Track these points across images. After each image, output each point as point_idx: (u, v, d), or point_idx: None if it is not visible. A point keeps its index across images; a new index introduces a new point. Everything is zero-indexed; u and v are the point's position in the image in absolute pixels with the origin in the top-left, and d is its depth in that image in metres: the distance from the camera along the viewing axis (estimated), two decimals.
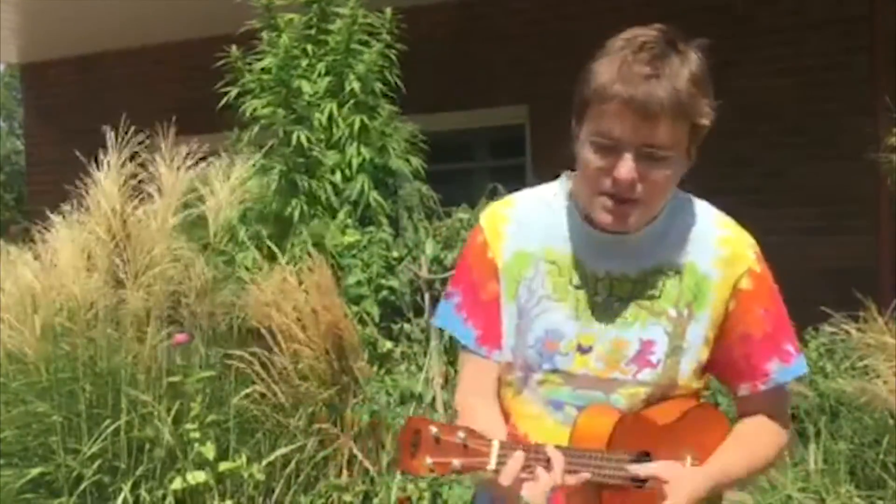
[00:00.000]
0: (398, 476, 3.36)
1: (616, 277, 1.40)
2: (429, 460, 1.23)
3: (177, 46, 7.26)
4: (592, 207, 1.36)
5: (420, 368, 3.83)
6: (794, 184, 5.28)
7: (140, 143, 3.64)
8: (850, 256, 4.96)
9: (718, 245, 1.41)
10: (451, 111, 6.17)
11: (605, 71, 1.29)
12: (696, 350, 1.40)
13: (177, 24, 6.81)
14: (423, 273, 4.20)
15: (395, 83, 4.52)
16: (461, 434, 1.24)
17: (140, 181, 3.69)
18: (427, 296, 4.18)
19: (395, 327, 4.10)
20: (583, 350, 1.39)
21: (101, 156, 3.59)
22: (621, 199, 1.32)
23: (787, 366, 1.43)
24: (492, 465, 1.24)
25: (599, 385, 1.39)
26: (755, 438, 1.45)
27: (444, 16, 6.10)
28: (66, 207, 3.71)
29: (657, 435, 1.38)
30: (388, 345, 3.92)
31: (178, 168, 3.64)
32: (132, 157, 3.65)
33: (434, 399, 3.67)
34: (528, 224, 1.45)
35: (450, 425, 1.25)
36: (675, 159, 1.32)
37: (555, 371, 1.40)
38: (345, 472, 3.43)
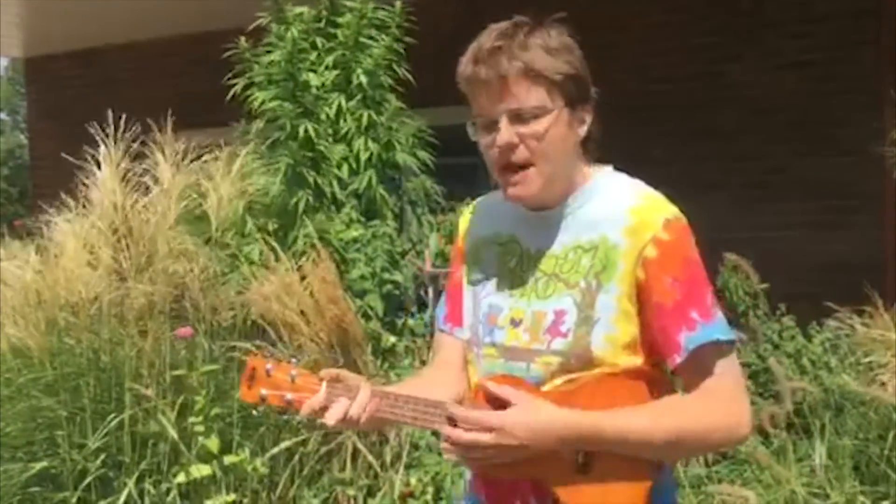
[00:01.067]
0: (401, 470, 3.37)
1: (543, 253, 1.49)
2: (263, 391, 1.45)
3: (181, 40, 7.26)
4: (501, 187, 1.48)
5: (423, 363, 3.83)
6: (799, 178, 5.27)
7: (143, 137, 3.64)
8: (856, 251, 4.95)
9: (627, 215, 1.43)
10: (456, 105, 6.16)
11: (464, 59, 1.43)
12: (608, 321, 1.40)
13: (180, 17, 6.80)
14: (427, 267, 4.20)
15: (404, 77, 4.51)
16: (293, 372, 1.45)
17: (141, 175, 3.68)
18: (431, 290, 4.19)
19: (399, 322, 4.10)
20: (515, 323, 1.48)
21: (103, 150, 3.59)
22: (513, 167, 1.43)
23: (692, 333, 1.38)
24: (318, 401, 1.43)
25: (524, 356, 1.45)
26: (674, 407, 1.39)
27: (449, 9, 6.09)
28: (69, 202, 3.71)
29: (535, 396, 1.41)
30: (392, 339, 3.92)
31: (180, 162, 3.64)
32: (134, 152, 3.65)
33: None
34: (488, 212, 1.61)
35: (284, 364, 1.46)
36: (548, 113, 1.40)
37: (493, 345, 1.49)
38: (348, 466, 3.43)
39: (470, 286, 1.58)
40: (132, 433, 3.34)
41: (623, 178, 1.50)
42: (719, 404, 1.40)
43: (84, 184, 3.64)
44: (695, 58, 5.58)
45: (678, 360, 1.40)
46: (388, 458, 3.42)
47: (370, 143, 4.33)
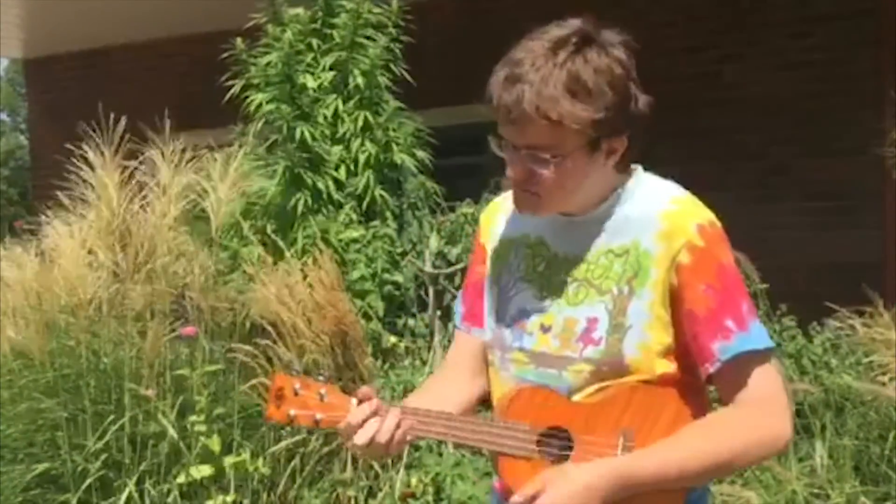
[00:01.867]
0: (402, 471, 3.37)
1: (574, 258, 1.46)
2: (292, 411, 1.41)
3: (181, 41, 7.25)
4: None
5: (424, 363, 3.83)
6: (799, 179, 5.26)
7: (142, 138, 3.64)
8: (856, 251, 4.94)
9: (660, 220, 1.40)
10: (458, 105, 6.16)
11: (494, 74, 1.38)
12: (641, 328, 1.38)
13: (181, 18, 6.80)
14: (427, 268, 4.20)
15: (402, 77, 4.51)
16: (322, 391, 1.41)
17: (141, 176, 3.69)
18: (431, 291, 4.19)
19: (400, 322, 4.10)
20: (545, 329, 1.45)
21: (102, 151, 3.59)
22: (523, 189, 1.42)
23: (727, 343, 1.36)
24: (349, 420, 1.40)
25: (555, 363, 1.43)
26: (709, 432, 1.37)
27: (451, 8, 6.09)
28: (68, 203, 3.71)
29: (568, 410, 1.39)
30: (392, 339, 3.92)
31: (179, 163, 3.64)
32: (133, 152, 3.65)
33: None
34: (514, 211, 1.52)
35: (312, 383, 1.41)
36: (563, 158, 1.35)
37: (522, 350, 1.46)
38: (349, 466, 3.43)
39: (494, 287, 1.54)
40: (132, 434, 3.34)
41: (654, 181, 1.47)
42: (756, 418, 1.37)
43: (82, 185, 3.65)
44: (695, 58, 5.58)
45: (710, 369, 1.38)
46: (388, 459, 3.42)
47: (368, 145, 4.33)
